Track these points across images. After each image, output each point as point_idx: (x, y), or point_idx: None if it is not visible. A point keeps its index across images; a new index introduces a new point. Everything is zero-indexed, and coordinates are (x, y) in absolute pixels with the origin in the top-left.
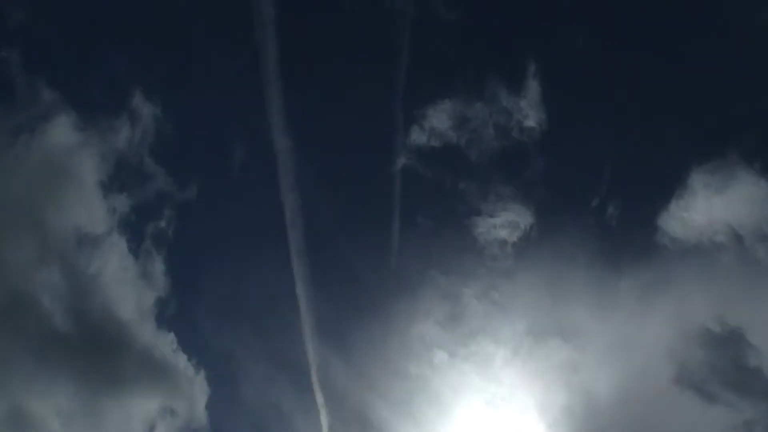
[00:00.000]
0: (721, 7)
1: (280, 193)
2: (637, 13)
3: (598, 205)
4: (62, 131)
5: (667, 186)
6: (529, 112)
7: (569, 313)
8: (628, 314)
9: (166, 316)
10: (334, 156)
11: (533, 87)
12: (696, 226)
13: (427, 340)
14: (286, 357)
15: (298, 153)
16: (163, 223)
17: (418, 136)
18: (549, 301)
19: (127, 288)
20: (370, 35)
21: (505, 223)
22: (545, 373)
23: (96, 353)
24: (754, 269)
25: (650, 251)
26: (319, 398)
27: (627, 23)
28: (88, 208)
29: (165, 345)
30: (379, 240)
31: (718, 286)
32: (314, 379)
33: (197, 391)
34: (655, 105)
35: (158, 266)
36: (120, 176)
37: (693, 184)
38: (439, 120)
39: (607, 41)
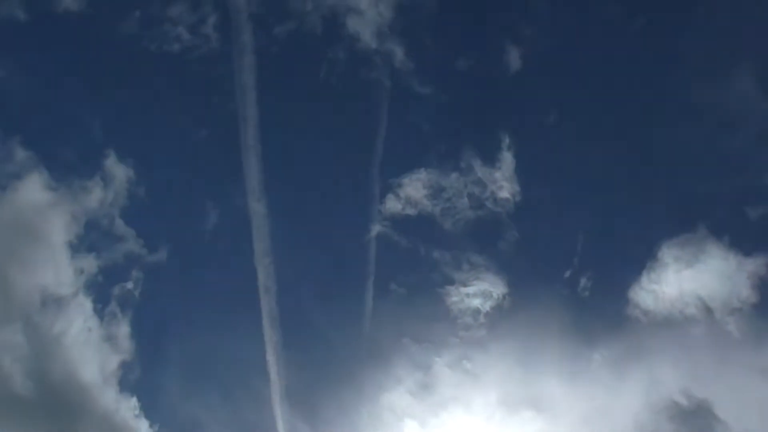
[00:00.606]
0: (687, 89)
1: (254, 257)
2: (609, 90)
3: (570, 277)
4: (34, 190)
5: (639, 259)
6: (503, 183)
7: (542, 384)
8: (601, 386)
9: (129, 380)
10: (309, 222)
11: (507, 159)
12: (667, 298)
13: (398, 409)
14: (253, 424)
15: (273, 218)
16: (130, 286)
17: (393, 205)
18: (522, 371)
19: (91, 350)
20: (348, 105)
21: (478, 292)
22: None
23: (56, 417)
24: (724, 342)
25: (622, 323)
26: None
27: (599, 100)
28: (55, 268)
29: (127, 410)
30: (351, 307)
31: (688, 358)
32: None
33: None
34: (626, 179)
35: (124, 329)
36: (89, 237)
37: (663, 257)
38: (414, 189)
39: (580, 115)
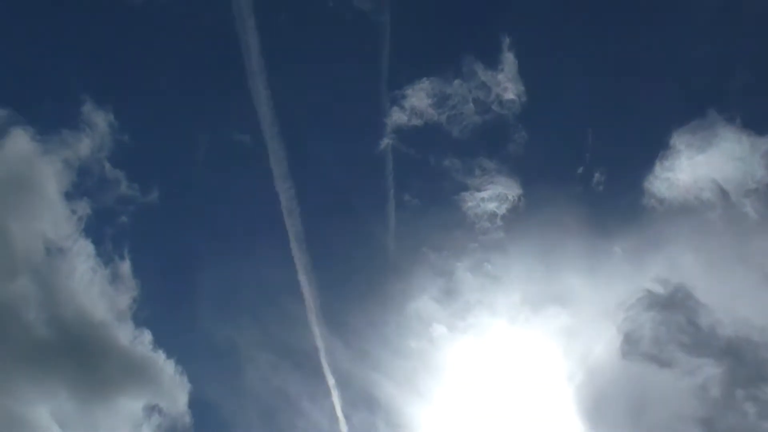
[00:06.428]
0: None
1: (275, 181)
2: None
3: (583, 173)
4: (22, 143)
5: (651, 148)
6: (508, 85)
7: (564, 280)
8: (622, 277)
9: (143, 314)
10: (320, 141)
11: (509, 60)
12: (682, 185)
13: (425, 316)
14: (291, 344)
15: (286, 142)
16: (131, 224)
17: (398, 117)
18: (542, 269)
19: (100, 290)
20: (352, 25)
21: (492, 196)
22: (543, 340)
23: (78, 357)
24: (742, 224)
25: (638, 214)
26: (330, 380)
27: None
28: (54, 217)
29: (145, 343)
30: (373, 221)
31: (708, 243)
32: (324, 362)
33: (178, 388)
34: (632, 70)
35: (127, 266)
36: (83, 184)
37: (675, 144)
38: (418, 99)
39: (581, 7)
